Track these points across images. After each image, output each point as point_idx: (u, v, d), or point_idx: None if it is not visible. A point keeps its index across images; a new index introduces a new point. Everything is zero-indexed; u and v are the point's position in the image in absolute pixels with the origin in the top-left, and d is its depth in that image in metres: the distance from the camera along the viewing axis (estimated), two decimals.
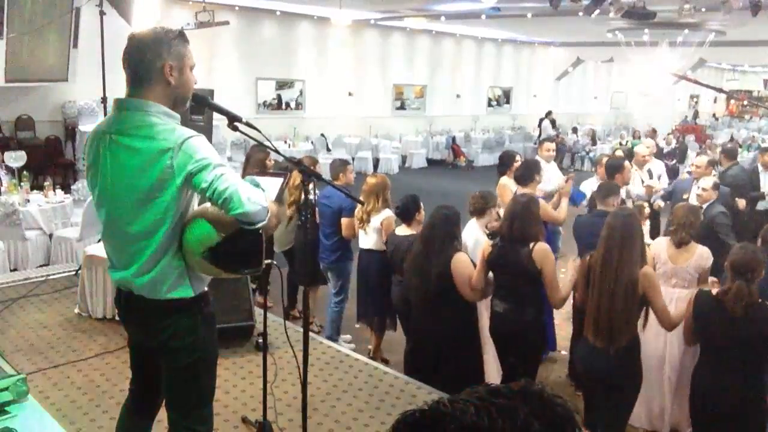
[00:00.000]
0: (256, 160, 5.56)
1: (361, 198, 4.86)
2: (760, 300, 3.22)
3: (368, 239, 4.98)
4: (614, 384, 3.47)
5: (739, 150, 16.25)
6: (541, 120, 19.57)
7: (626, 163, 6.04)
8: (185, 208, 2.23)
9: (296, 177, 5.08)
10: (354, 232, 5.11)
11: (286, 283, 6.07)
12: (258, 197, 2.15)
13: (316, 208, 5.24)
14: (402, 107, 18.29)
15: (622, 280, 3.33)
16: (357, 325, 5.41)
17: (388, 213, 4.90)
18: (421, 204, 4.61)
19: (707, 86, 14.80)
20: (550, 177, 6.41)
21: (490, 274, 3.96)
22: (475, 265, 4.00)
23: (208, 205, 2.23)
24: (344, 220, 5.13)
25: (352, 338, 5.56)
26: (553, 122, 19.49)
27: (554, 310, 4.79)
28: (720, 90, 15.43)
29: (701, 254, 4.07)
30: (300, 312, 5.74)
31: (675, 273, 4.12)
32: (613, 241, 3.39)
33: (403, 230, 4.59)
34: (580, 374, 3.89)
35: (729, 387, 3.25)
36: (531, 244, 3.74)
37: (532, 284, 3.79)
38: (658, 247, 4.27)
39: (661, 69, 15.27)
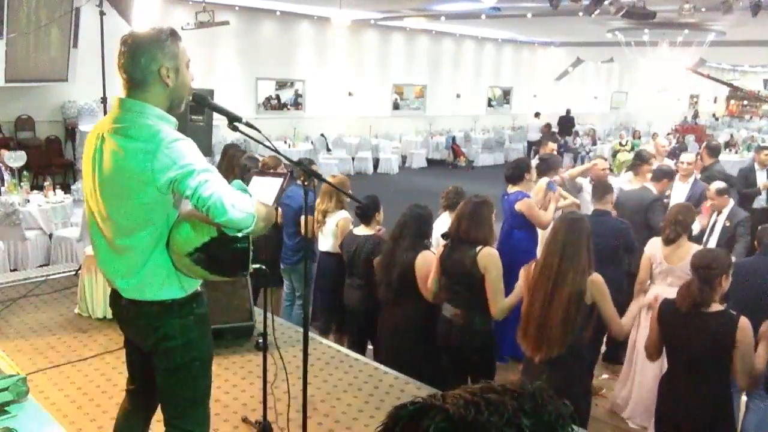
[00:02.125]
0: (231, 157, 5.52)
1: (318, 199, 4.93)
2: (723, 307, 3.09)
3: (325, 241, 4.96)
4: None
5: (740, 149, 16.31)
6: (561, 120, 19.80)
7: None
8: (172, 211, 2.21)
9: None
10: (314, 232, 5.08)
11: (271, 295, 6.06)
12: (243, 204, 2.09)
13: (279, 209, 5.23)
14: (401, 107, 18.29)
15: (562, 288, 3.11)
16: (312, 328, 5.19)
17: (343, 214, 4.87)
18: (380, 205, 4.59)
19: (719, 81, 14.80)
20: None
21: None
22: None
23: None
24: (302, 220, 5.14)
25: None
26: (571, 120, 19.58)
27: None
28: (729, 85, 15.45)
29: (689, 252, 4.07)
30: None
31: (670, 272, 4.14)
32: (554, 247, 3.20)
33: (362, 230, 4.54)
34: None
35: (693, 400, 3.10)
36: (478, 248, 3.60)
37: (478, 290, 3.63)
38: (653, 247, 4.29)
39: (676, 65, 15.27)
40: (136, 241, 2.19)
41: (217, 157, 11.28)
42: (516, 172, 5.45)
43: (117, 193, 2.16)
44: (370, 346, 4.83)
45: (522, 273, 3.48)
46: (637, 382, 4.49)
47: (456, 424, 0.76)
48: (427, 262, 3.91)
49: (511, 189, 5.43)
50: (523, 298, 3.40)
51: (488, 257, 3.59)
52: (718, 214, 5.33)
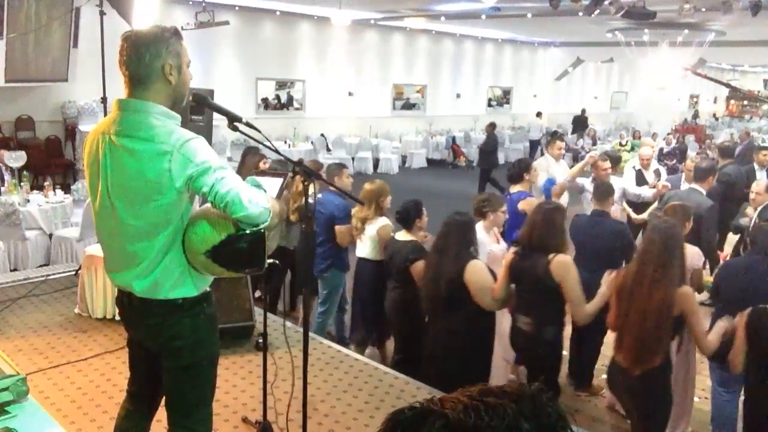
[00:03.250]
0: (252, 164, 5.54)
1: (356, 206, 4.76)
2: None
3: (363, 247, 4.85)
4: (641, 406, 3.24)
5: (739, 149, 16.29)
6: (577, 118, 19.77)
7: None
8: (186, 209, 2.22)
9: (299, 183, 5.08)
10: (350, 238, 4.97)
11: (288, 288, 6.06)
12: (259, 199, 2.14)
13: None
14: (402, 107, 18.30)
15: (656, 298, 3.08)
16: (349, 342, 5.13)
17: (384, 221, 4.76)
18: (424, 210, 4.47)
19: (717, 81, 14.80)
20: (561, 175, 6.41)
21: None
22: (492, 273, 3.84)
23: (210, 204, 2.22)
24: (338, 228, 5.01)
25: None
26: (585, 120, 19.71)
27: None
28: (727, 85, 15.44)
29: (690, 255, 4.06)
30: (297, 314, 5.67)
31: None
32: (650, 256, 3.13)
33: (403, 236, 4.45)
34: (618, 395, 3.57)
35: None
36: (550, 256, 3.50)
37: (551, 300, 3.54)
38: None
39: (674, 64, 15.29)
40: (154, 243, 2.19)
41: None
42: (515, 171, 5.50)
43: (134, 196, 2.16)
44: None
45: (609, 280, 3.44)
46: None
47: (456, 430, 0.75)
48: (479, 271, 3.77)
49: (514, 189, 5.47)
50: (611, 307, 3.34)
51: (562, 265, 3.49)
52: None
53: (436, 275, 3.83)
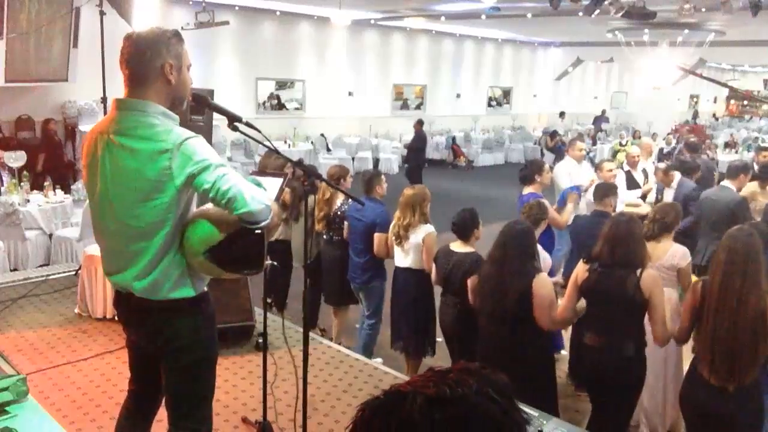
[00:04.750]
0: (274, 167, 5.32)
1: (397, 212, 4.55)
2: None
3: (406, 257, 4.54)
4: (734, 424, 3.02)
5: (740, 149, 16.31)
6: (597, 119, 20.12)
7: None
8: (185, 209, 2.22)
9: (326, 190, 5.02)
10: (387, 250, 4.71)
11: (307, 300, 5.82)
12: (261, 196, 2.15)
13: (346, 222, 4.94)
14: (401, 107, 18.31)
15: (748, 310, 2.90)
16: (393, 350, 4.80)
17: (429, 229, 4.47)
18: (479, 220, 4.19)
19: (715, 81, 14.80)
20: (583, 177, 6.37)
21: (581, 302, 3.55)
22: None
23: (209, 205, 2.22)
24: (377, 236, 4.73)
25: (384, 362, 4.91)
26: (606, 120, 19.96)
27: None
28: (725, 85, 15.44)
29: (674, 253, 4.06)
30: (322, 330, 5.47)
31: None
32: (735, 267, 2.95)
33: (459, 247, 4.15)
34: (692, 416, 3.29)
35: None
36: (638, 271, 3.32)
37: (635, 316, 3.36)
38: None
39: (669, 63, 15.29)
40: (152, 243, 2.19)
41: None
42: (527, 173, 5.49)
43: (132, 195, 2.16)
44: None
45: (688, 295, 3.28)
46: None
47: (436, 402, 0.82)
48: (547, 286, 3.51)
49: (526, 190, 5.46)
50: (683, 321, 3.27)
51: (653, 280, 3.33)
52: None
53: (498, 290, 3.54)
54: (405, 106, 18.43)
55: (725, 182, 5.90)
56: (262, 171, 4.10)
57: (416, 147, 13.38)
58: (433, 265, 4.30)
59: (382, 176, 5.04)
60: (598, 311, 3.45)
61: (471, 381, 0.84)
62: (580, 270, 3.50)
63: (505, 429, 0.84)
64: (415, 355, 4.64)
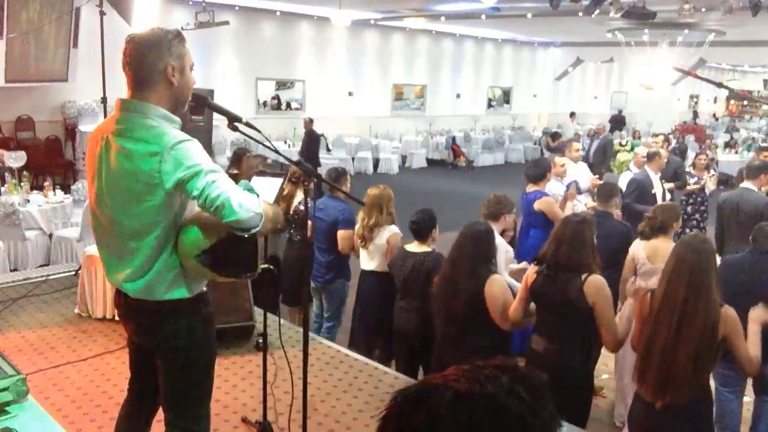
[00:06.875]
0: (249, 167, 5.27)
1: (360, 213, 4.47)
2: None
3: (371, 260, 4.47)
4: None
5: (740, 149, 16.31)
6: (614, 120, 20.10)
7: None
8: (179, 211, 2.22)
9: (285, 187, 4.90)
10: (351, 244, 4.66)
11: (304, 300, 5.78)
12: (251, 204, 2.10)
13: (310, 222, 4.80)
14: (401, 107, 18.31)
15: (693, 322, 2.74)
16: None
17: (394, 229, 4.41)
18: (437, 220, 4.15)
19: (709, 81, 14.77)
20: (580, 177, 6.39)
21: (533, 304, 3.40)
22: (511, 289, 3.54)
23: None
24: (341, 233, 4.69)
25: None
26: (623, 120, 19.87)
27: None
28: (720, 85, 15.41)
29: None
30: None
31: (653, 272, 4.14)
32: (679, 276, 2.80)
33: (417, 247, 4.09)
34: (633, 429, 3.13)
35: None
36: (583, 275, 3.13)
37: (580, 323, 3.18)
38: (636, 248, 4.29)
39: (663, 64, 15.30)
40: (145, 243, 2.19)
41: (218, 158, 11.30)
42: (537, 171, 5.47)
43: (125, 196, 2.16)
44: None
45: (634, 304, 3.17)
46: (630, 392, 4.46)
47: (464, 398, 0.82)
48: (500, 287, 3.43)
49: (531, 188, 5.45)
50: (635, 330, 3.08)
51: (596, 286, 3.12)
52: None
53: (450, 292, 3.48)
54: (404, 106, 18.43)
55: (746, 183, 5.64)
56: (263, 171, 4.09)
57: (309, 150, 12.10)
58: None
59: (347, 176, 4.96)
60: (545, 315, 3.32)
61: (504, 379, 0.84)
62: (530, 271, 3.36)
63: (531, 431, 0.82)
64: (380, 361, 4.53)
